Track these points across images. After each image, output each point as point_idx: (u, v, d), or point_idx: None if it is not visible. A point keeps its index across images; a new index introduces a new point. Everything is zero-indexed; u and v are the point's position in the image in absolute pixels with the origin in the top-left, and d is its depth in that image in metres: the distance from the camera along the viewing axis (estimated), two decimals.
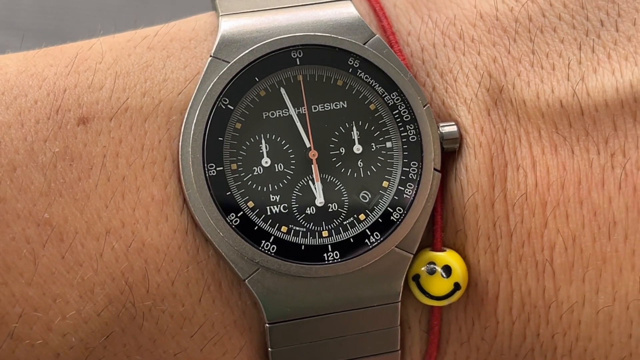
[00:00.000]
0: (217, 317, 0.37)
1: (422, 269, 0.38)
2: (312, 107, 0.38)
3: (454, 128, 0.38)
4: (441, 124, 0.38)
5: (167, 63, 0.38)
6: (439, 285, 0.37)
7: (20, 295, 0.35)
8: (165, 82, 0.38)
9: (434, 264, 0.38)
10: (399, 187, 0.38)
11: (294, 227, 0.37)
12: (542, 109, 0.38)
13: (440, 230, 0.38)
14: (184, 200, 0.37)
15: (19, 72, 0.38)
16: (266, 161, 0.37)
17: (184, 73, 0.38)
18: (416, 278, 0.38)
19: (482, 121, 0.38)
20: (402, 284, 0.38)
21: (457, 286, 0.38)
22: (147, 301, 0.36)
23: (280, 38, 0.38)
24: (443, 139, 0.38)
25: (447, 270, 0.37)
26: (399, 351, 0.39)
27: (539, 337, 0.38)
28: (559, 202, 0.37)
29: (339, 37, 0.38)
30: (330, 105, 0.38)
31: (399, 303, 0.38)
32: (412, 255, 0.38)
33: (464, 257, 0.38)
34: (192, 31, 0.39)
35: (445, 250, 0.38)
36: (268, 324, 0.37)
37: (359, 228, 0.37)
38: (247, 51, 0.38)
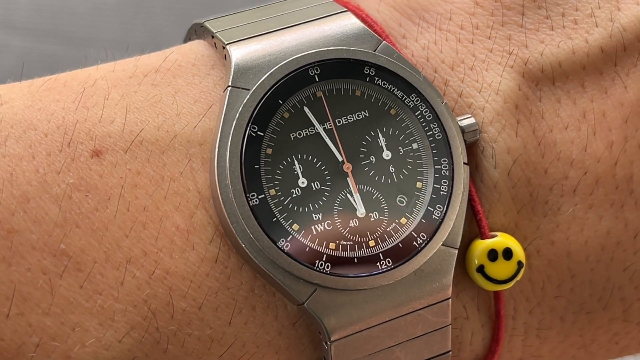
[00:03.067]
0: (249, 338, 0.37)
1: (482, 259, 0.38)
2: (337, 120, 0.38)
3: (472, 120, 0.39)
4: (459, 118, 0.39)
5: (177, 98, 0.38)
6: (504, 269, 0.38)
7: (37, 325, 0.35)
8: (178, 117, 0.38)
9: (495, 250, 0.38)
10: (435, 185, 0.38)
11: (342, 242, 0.37)
12: (583, 61, 0.39)
13: (484, 218, 0.38)
14: (219, 231, 0.37)
15: (26, 107, 0.37)
16: (302, 181, 0.37)
17: (196, 108, 0.38)
18: (480, 269, 0.38)
19: (515, 98, 0.39)
20: (451, 280, 0.38)
21: (520, 264, 0.38)
22: (171, 326, 0.36)
23: (296, 58, 0.38)
24: (464, 131, 0.39)
25: (508, 252, 0.38)
26: (450, 352, 0.39)
27: (625, 271, 0.39)
28: (626, 137, 0.38)
29: (351, 49, 0.39)
30: (353, 117, 0.38)
31: (450, 300, 0.38)
32: (456, 250, 0.38)
33: (517, 232, 0.38)
34: (192, 67, 0.39)
35: (496, 235, 0.38)
36: (330, 342, 0.37)
37: (403, 232, 0.38)
38: (266, 75, 0.38)
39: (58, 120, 0.37)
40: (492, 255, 0.38)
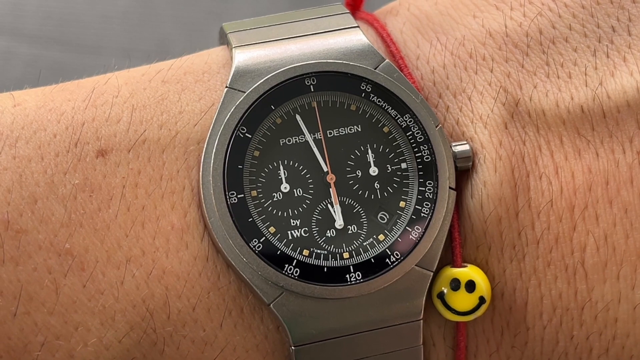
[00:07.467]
0: (239, 341, 0.38)
1: (444, 286, 0.38)
2: (328, 132, 0.39)
3: (466, 147, 0.39)
4: (453, 144, 0.39)
5: (182, 96, 0.39)
6: (464, 300, 0.38)
7: (42, 324, 0.36)
8: (181, 115, 0.39)
9: (458, 280, 0.38)
10: (416, 206, 0.39)
11: (316, 250, 0.38)
12: (563, 116, 0.39)
13: (459, 246, 0.39)
14: (205, 228, 0.38)
15: (38, 107, 0.39)
16: (285, 187, 0.38)
17: (199, 105, 0.39)
18: (440, 295, 0.38)
19: (500, 135, 0.39)
20: (423, 302, 0.38)
21: (482, 300, 0.38)
22: (168, 327, 0.37)
23: (294, 66, 0.39)
24: (456, 157, 0.39)
25: (471, 285, 0.38)
26: None
27: (572, 339, 0.39)
28: (587, 204, 0.38)
29: (351, 63, 0.39)
30: (345, 130, 0.39)
31: (421, 321, 0.38)
32: (432, 273, 0.38)
33: (488, 270, 0.39)
34: (204, 64, 0.40)
35: (466, 266, 0.39)
36: (294, 346, 0.37)
37: (379, 248, 0.38)
38: (262, 80, 0.39)
39: (67, 121, 0.38)
40: (455, 284, 0.38)
